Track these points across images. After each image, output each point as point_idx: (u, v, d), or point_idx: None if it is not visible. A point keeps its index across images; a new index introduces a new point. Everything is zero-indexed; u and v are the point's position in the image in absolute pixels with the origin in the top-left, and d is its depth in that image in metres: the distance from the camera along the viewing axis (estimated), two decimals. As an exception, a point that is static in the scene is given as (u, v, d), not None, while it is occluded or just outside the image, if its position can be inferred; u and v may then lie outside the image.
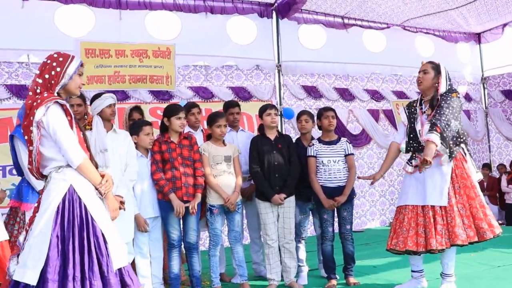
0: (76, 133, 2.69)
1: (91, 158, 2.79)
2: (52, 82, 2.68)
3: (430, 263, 4.32)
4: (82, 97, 4.07)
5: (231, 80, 6.95)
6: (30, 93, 2.71)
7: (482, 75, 9.39)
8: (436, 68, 3.84)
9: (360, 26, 7.86)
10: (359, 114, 7.77)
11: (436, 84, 3.80)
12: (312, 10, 7.38)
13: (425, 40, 8.54)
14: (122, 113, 5.69)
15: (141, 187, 3.98)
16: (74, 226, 2.55)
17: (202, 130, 4.72)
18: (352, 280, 4.30)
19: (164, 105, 5.77)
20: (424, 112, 3.81)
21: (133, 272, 2.78)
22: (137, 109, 4.57)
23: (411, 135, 3.86)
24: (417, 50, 8.35)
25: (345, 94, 7.74)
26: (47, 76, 2.67)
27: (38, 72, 2.72)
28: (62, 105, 2.65)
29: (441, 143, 3.56)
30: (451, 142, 3.62)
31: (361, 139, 7.69)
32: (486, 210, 3.65)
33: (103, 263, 2.54)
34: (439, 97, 3.72)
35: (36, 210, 2.67)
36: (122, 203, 3.64)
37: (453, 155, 3.66)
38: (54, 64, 2.69)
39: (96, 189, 2.73)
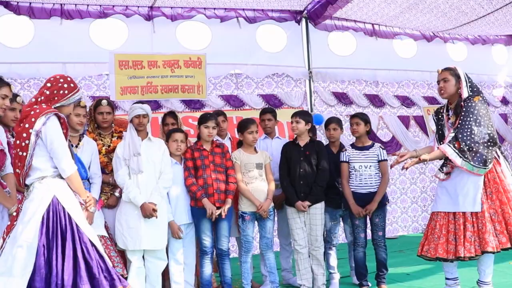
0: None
1: None
2: (55, 98, 2.92)
3: (466, 271, 4.24)
4: (111, 105, 4.21)
5: (261, 88, 7.00)
6: (33, 99, 2.92)
7: (520, 77, 9.12)
8: (455, 73, 3.76)
9: (391, 32, 7.80)
10: (389, 121, 7.68)
11: (459, 90, 3.74)
12: (342, 17, 7.38)
13: (457, 44, 8.38)
14: (154, 123, 5.84)
15: (176, 194, 4.07)
16: (58, 236, 2.67)
17: (229, 138, 4.77)
18: (384, 287, 4.27)
19: (196, 114, 5.90)
20: (450, 118, 3.77)
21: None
22: (170, 114, 4.64)
23: (441, 143, 3.81)
24: (449, 54, 8.20)
25: (375, 101, 7.67)
26: (55, 91, 2.92)
27: (48, 84, 2.95)
28: (60, 118, 2.87)
29: (460, 156, 3.52)
30: (480, 149, 3.54)
31: (391, 146, 7.58)
32: None
33: (93, 266, 2.65)
34: (462, 103, 3.66)
35: (15, 219, 2.76)
36: (154, 210, 3.74)
37: (490, 162, 3.58)
38: (65, 85, 2.96)
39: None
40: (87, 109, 3.99)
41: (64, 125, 2.89)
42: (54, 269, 2.58)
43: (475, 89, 3.75)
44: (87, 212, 3.01)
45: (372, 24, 7.63)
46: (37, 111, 2.81)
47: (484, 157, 3.54)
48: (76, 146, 3.77)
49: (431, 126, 3.99)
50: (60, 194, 2.80)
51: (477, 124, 3.57)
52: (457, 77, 3.75)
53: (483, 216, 3.52)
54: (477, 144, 3.54)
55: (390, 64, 7.74)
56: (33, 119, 2.78)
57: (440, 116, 3.91)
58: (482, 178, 3.59)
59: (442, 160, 3.82)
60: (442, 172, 3.79)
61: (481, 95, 3.74)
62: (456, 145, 3.55)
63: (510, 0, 6.86)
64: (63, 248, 2.64)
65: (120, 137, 4.10)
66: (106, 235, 3.83)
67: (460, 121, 3.61)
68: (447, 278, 3.83)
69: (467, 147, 3.53)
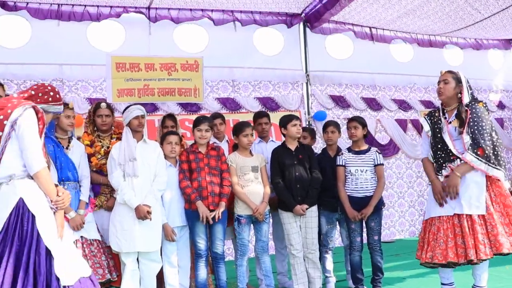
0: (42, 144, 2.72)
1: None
2: (38, 100, 2.82)
3: (461, 275, 4.22)
4: (110, 108, 4.22)
5: (258, 91, 7.01)
6: (15, 94, 2.83)
7: (516, 81, 9.15)
8: (456, 77, 3.74)
9: (388, 36, 7.83)
10: (387, 124, 7.70)
11: (459, 95, 3.72)
12: (340, 21, 7.40)
13: (454, 49, 8.42)
14: (151, 125, 5.83)
15: (170, 196, 4.05)
16: (13, 243, 2.49)
17: (227, 140, 4.77)
18: (380, 291, 4.26)
19: (192, 117, 5.90)
20: (451, 122, 3.71)
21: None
22: (170, 116, 4.64)
23: (439, 145, 3.76)
24: (445, 59, 8.24)
25: (373, 104, 7.69)
26: (40, 94, 2.85)
27: (35, 87, 2.89)
28: (37, 112, 2.71)
29: (485, 162, 3.50)
30: (493, 155, 3.54)
31: (389, 149, 7.61)
32: None
33: (39, 282, 2.46)
34: (467, 109, 3.63)
35: None
36: (148, 213, 3.72)
37: (502, 165, 3.58)
38: (51, 93, 2.89)
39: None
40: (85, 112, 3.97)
41: (41, 120, 2.70)
42: (0, 279, 2.40)
43: (474, 96, 3.75)
44: (59, 214, 2.72)
45: (370, 28, 7.66)
46: (15, 103, 2.66)
47: (500, 162, 3.56)
48: (67, 148, 3.79)
49: (425, 129, 3.92)
50: (27, 196, 2.57)
51: (492, 130, 3.58)
52: (458, 81, 3.72)
53: (492, 218, 3.45)
54: (501, 148, 3.56)
55: (387, 68, 7.78)
56: (9, 111, 2.62)
57: (435, 120, 3.84)
58: (484, 180, 3.55)
59: (440, 163, 3.79)
60: (441, 175, 3.73)
61: (484, 103, 3.73)
62: (479, 153, 3.51)
63: (506, 5, 6.89)
64: (16, 257, 2.45)
65: (119, 138, 4.10)
66: (98, 237, 3.82)
67: (475, 126, 3.55)
68: (442, 284, 3.76)
69: (492, 151, 3.52)
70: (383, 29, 7.76)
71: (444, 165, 3.72)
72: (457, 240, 3.50)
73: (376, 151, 4.46)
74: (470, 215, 3.50)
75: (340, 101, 7.48)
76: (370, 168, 4.35)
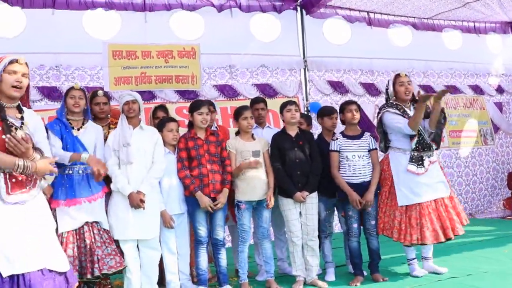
0: None
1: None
2: None
3: (456, 260, 4.26)
4: (107, 96, 4.19)
5: (256, 77, 6.98)
6: None
7: (516, 65, 9.12)
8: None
9: (386, 20, 7.78)
10: (386, 109, 7.68)
11: None
12: (336, 5, 7.35)
13: (453, 32, 8.36)
14: (148, 113, 5.81)
15: (169, 184, 4.02)
16: None
17: (216, 127, 4.71)
18: (378, 276, 4.27)
19: (190, 104, 5.90)
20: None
21: (40, 280, 2.56)
22: (161, 107, 4.65)
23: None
24: (444, 43, 8.19)
25: (371, 89, 7.66)
26: None
27: None
28: None
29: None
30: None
31: (388, 134, 7.61)
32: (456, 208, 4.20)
33: None
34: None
35: None
36: (142, 201, 3.68)
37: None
38: None
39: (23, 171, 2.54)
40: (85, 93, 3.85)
41: None
42: None
43: (389, 99, 4.50)
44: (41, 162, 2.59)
45: (367, 12, 7.61)
46: None
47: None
48: (78, 129, 3.71)
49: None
50: None
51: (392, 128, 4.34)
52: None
53: (423, 212, 4.20)
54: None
55: (385, 52, 7.75)
56: None
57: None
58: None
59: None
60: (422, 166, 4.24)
61: (384, 106, 4.44)
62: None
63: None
64: None
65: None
66: (105, 227, 3.74)
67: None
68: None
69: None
70: (381, 13, 7.71)
71: (422, 157, 4.32)
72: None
73: (370, 135, 4.41)
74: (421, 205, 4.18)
75: (338, 87, 7.45)
76: (366, 153, 4.30)
